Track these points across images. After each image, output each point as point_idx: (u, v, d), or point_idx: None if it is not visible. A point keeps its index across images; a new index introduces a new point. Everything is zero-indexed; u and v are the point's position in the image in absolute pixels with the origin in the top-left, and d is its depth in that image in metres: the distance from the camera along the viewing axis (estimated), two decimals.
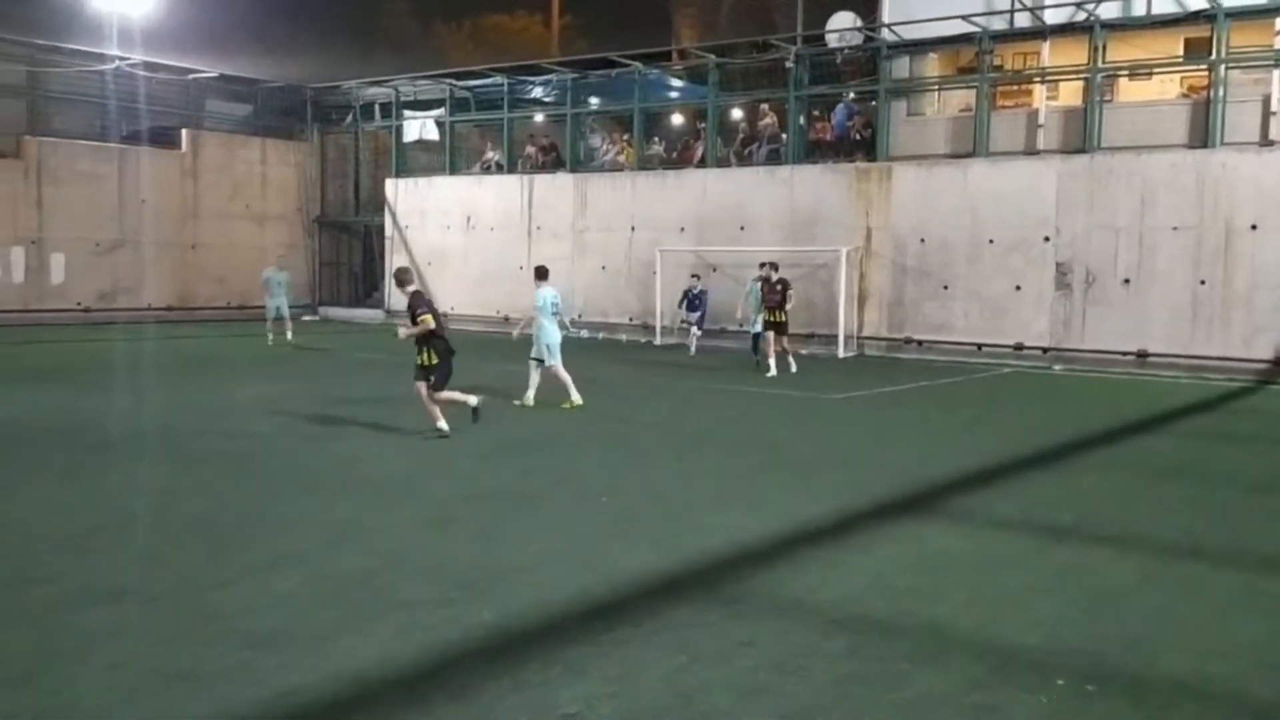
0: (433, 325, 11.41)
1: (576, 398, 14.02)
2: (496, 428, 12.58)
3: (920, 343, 22.41)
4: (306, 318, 31.80)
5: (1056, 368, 20.56)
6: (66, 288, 27.71)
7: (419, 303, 11.53)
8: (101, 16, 28.63)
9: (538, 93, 30.26)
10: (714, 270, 24.28)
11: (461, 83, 30.38)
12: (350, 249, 34.80)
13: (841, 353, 22.40)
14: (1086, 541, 8.02)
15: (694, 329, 22.23)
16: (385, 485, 9.43)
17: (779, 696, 4.98)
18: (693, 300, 22.16)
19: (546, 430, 12.59)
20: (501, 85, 29.45)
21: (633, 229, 26.31)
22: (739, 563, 7.20)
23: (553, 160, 28.97)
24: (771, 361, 18.53)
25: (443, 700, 4.83)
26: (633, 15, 40.97)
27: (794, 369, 18.68)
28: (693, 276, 22.53)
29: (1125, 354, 20.24)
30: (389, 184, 31.69)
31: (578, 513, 8.49)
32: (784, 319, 18.70)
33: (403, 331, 11.73)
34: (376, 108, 32.87)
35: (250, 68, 33.05)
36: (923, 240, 22.43)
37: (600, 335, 26.38)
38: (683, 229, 25.34)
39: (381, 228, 31.89)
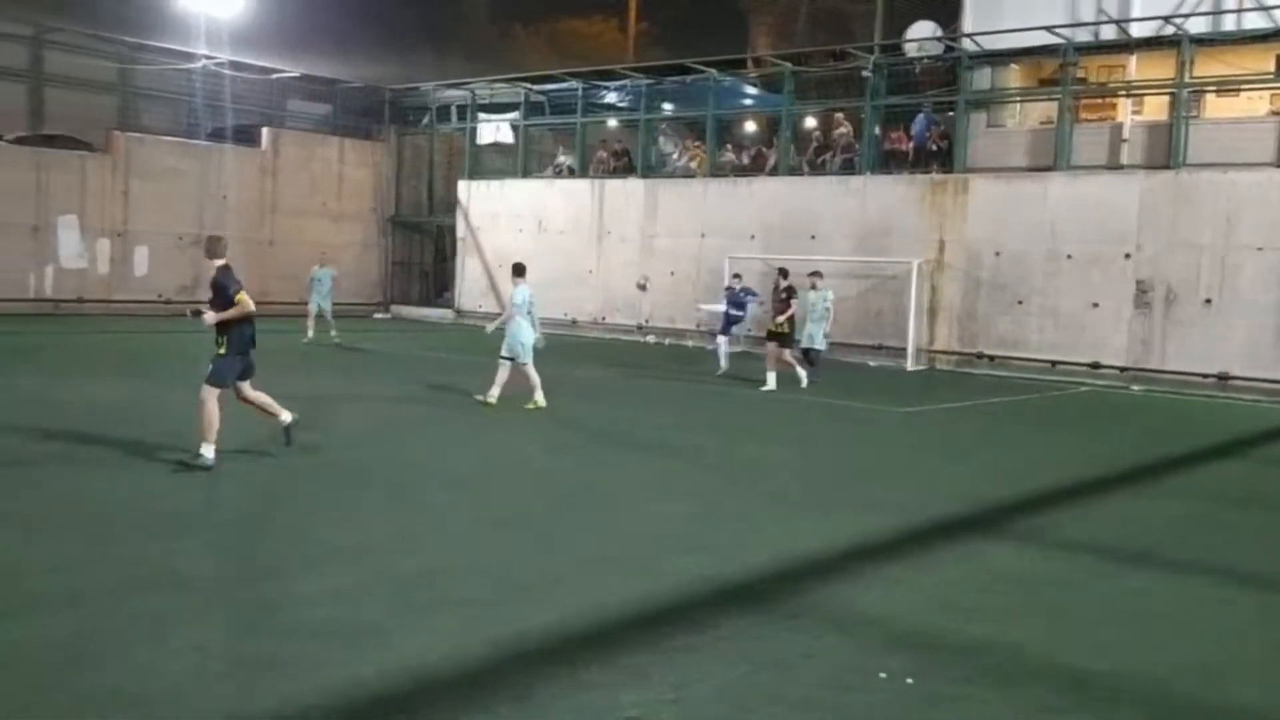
0: (253, 307, 9.48)
1: (540, 399, 13.79)
2: (548, 430, 12.67)
3: (992, 358, 22.05)
4: (378, 315, 32.32)
5: (1134, 388, 20.09)
6: (149, 279, 28.47)
7: (231, 280, 9.48)
8: (189, 16, 29.38)
9: (612, 98, 30.39)
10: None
11: (537, 87, 30.64)
12: (422, 249, 35.26)
13: (910, 366, 22.13)
14: (1159, 567, 7.83)
15: (721, 338, 19.57)
16: (442, 484, 9.51)
17: (837, 712, 4.93)
18: (733, 302, 19.58)
19: (597, 435, 12.62)
20: (576, 90, 29.64)
21: (703, 235, 26.28)
22: (800, 575, 7.15)
23: (624, 165, 29.08)
24: (771, 376, 17.33)
25: (504, 699, 4.86)
26: (709, 22, 40.98)
27: (803, 383, 17.30)
28: (734, 276, 20.46)
29: (1205, 376, 19.71)
30: (462, 185, 32.05)
31: (635, 519, 8.50)
32: (784, 329, 17.58)
33: (210, 316, 9.49)
34: (453, 110, 33.30)
35: (330, 69, 33.67)
36: (998, 254, 22.08)
37: (667, 341, 26.41)
38: (753, 237, 25.26)
39: (453, 228, 32.26)
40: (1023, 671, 5.54)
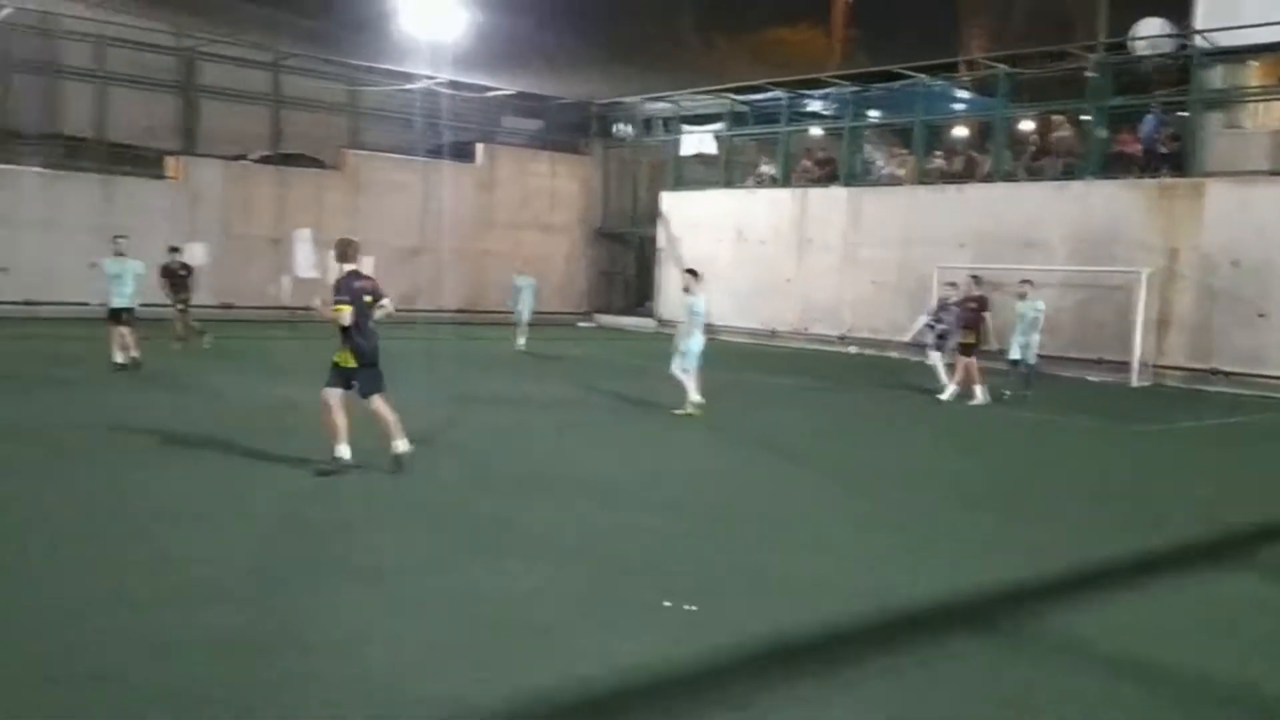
0: (347, 320, 9.16)
1: (696, 398, 13.72)
2: (738, 441, 12.61)
3: (1228, 374, 20.51)
4: (581, 324, 33.12)
5: None
6: None
7: (342, 289, 9.24)
8: (413, 39, 30.90)
9: (816, 106, 30.14)
10: (996, 290, 23.20)
11: (740, 97, 30.71)
12: (626, 259, 35.92)
13: (1135, 381, 20.86)
14: None
15: (935, 354, 17.56)
16: (625, 487, 9.54)
17: None
18: (940, 315, 17.81)
19: (796, 449, 12.44)
20: (780, 99, 29.53)
21: (909, 244, 25.65)
22: (1022, 598, 6.85)
23: (828, 174, 28.75)
24: (952, 386, 16.60)
25: (720, 706, 4.87)
26: (917, 26, 40.00)
27: (980, 399, 16.48)
28: (949, 284, 18.57)
29: None
30: (664, 196, 32.47)
31: (839, 537, 8.31)
32: (977, 341, 16.71)
33: (316, 301, 9.61)
34: (657, 122, 33.84)
35: (541, 85, 34.76)
36: (1236, 263, 20.53)
37: (868, 352, 25.89)
38: (963, 245, 24.43)
39: (655, 239, 32.72)
40: (1252, 707, 5.13)
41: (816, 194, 28.17)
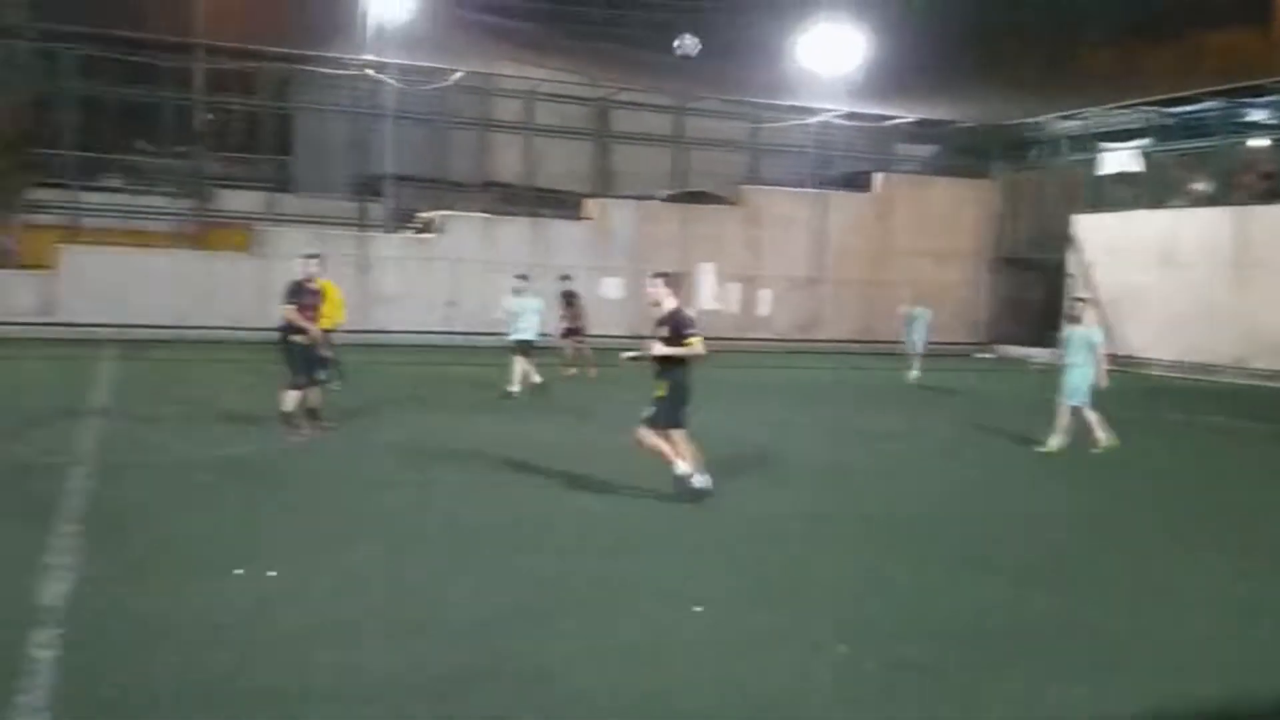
0: (703, 350, 8.98)
1: (1056, 445, 12.71)
2: (1153, 490, 11.34)
3: None
4: (980, 355, 31.70)
5: None
6: (770, 319, 30.78)
7: (688, 321, 9.07)
8: (810, 74, 31.23)
9: (1259, 115, 26.98)
10: None
11: (1166, 109, 28.15)
12: (1030, 287, 33.96)
13: None
14: None
15: None
16: (1021, 540, 8.71)
17: None
18: None
19: (1216, 503, 10.86)
20: (1214, 110, 26.75)
21: None
22: None
23: (1273, 189, 25.61)
24: None
25: None
26: None
27: None
28: None
29: None
30: (1076, 219, 30.40)
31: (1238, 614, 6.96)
32: None
33: (658, 348, 8.98)
34: (1066, 142, 31.83)
35: (935, 109, 33.79)
36: None
37: None
38: None
39: (1063, 264, 30.68)
40: None
41: (1262, 212, 25.15)
